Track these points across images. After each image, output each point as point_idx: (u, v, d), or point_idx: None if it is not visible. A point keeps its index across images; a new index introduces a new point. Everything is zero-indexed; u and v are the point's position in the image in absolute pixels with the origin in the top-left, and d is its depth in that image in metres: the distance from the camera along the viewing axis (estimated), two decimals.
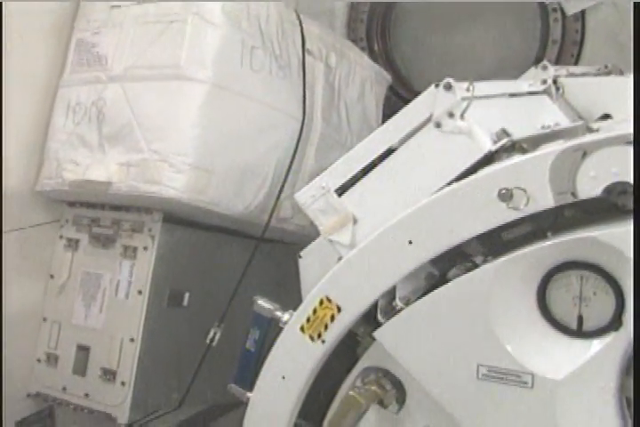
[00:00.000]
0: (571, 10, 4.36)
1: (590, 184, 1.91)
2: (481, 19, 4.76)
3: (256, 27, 3.46)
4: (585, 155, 1.93)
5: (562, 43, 4.41)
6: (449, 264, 2.17)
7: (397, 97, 4.73)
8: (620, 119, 2.85)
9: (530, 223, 2.05)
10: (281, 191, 3.45)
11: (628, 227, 1.86)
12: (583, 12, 4.36)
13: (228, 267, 3.50)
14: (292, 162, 3.50)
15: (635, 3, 3.23)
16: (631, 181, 1.87)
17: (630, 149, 1.87)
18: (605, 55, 4.25)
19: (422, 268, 2.16)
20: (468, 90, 2.32)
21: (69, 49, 3.62)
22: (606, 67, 3.69)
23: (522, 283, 2.00)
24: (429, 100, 2.31)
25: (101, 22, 3.51)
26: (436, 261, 2.16)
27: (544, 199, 1.94)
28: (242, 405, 2.97)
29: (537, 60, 4.39)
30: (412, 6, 4.92)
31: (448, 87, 2.27)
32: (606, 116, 2.95)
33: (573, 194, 1.93)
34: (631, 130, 1.93)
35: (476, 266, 2.07)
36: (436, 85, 2.30)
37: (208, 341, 3.37)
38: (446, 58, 4.88)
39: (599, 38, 4.37)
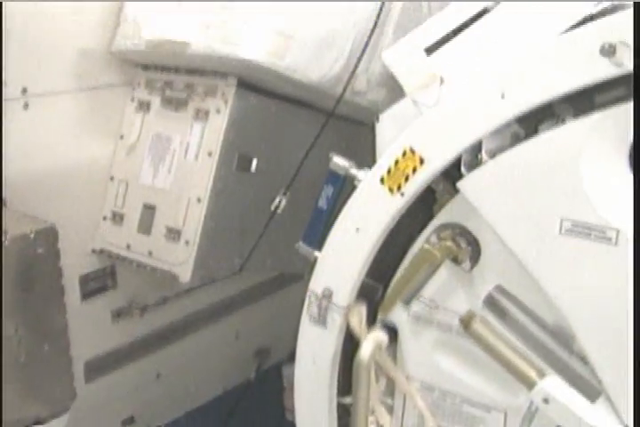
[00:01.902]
0: None
1: None
2: None
3: None
4: None
5: None
6: (537, 123, 2.16)
7: None
8: None
9: (625, 86, 2.02)
10: (358, 64, 3.41)
11: None
12: None
13: (298, 138, 3.50)
14: (370, 35, 3.45)
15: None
16: None
17: None
18: None
19: (509, 125, 2.15)
20: None
21: None
22: None
23: (615, 140, 1.98)
24: None
25: None
26: (523, 121, 2.15)
27: None
28: (302, 278, 3.03)
29: None
30: None
31: None
32: None
33: None
34: None
35: (564, 122, 2.06)
36: None
37: (273, 208, 3.40)
38: None
39: None
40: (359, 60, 3.42)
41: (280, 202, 3.33)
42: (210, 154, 3.32)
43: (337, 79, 3.41)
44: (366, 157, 2.73)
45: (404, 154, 2.23)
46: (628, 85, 2.00)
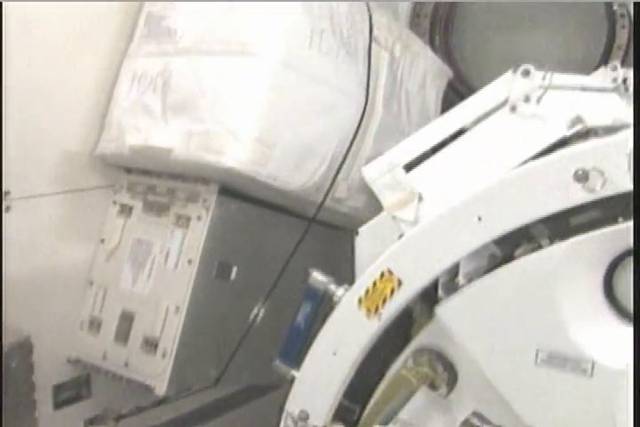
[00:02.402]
0: None
1: None
2: (544, 20, 4.74)
3: (327, 10, 3.48)
4: None
5: (627, 50, 4.38)
6: (514, 245, 2.17)
7: (455, 93, 4.73)
8: None
9: (600, 209, 2.05)
10: (338, 172, 3.46)
11: None
12: None
13: (278, 245, 3.51)
14: (351, 144, 3.51)
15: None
16: None
17: None
18: None
19: (486, 247, 2.16)
20: (544, 78, 2.33)
21: (138, 21, 3.64)
22: None
23: (589, 267, 2.00)
24: (506, 85, 2.32)
25: None
26: (500, 242, 2.16)
27: (622, 183, 1.93)
28: (277, 388, 2.98)
29: (600, 65, 4.38)
30: (476, 4, 4.91)
31: (526, 73, 2.29)
32: None
33: None
34: None
35: (541, 248, 2.07)
36: (514, 71, 2.30)
37: (251, 317, 3.38)
38: (507, 57, 4.86)
39: None
40: (340, 167, 3.46)
41: (259, 312, 3.31)
42: (190, 262, 3.31)
43: (318, 186, 3.44)
44: (347, 263, 2.75)
45: (382, 275, 2.23)
46: (602, 209, 2.02)
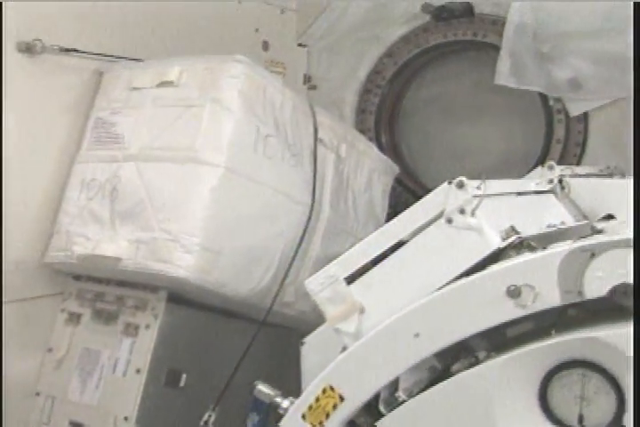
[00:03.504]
0: (574, 111, 4.47)
1: (597, 284, 1.96)
2: (488, 115, 4.89)
3: (271, 115, 3.56)
4: (593, 256, 1.98)
5: (565, 143, 4.52)
6: (452, 358, 2.19)
7: (403, 188, 4.83)
8: (622, 221, 2.91)
9: (534, 321, 2.10)
10: (286, 276, 3.49)
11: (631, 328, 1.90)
12: (586, 114, 4.46)
13: (228, 349, 3.50)
14: (298, 247, 3.55)
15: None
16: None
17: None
18: (607, 156, 4.36)
19: (426, 360, 2.19)
20: (479, 188, 2.38)
21: (87, 126, 3.69)
22: (608, 167, 3.80)
23: (524, 380, 2.02)
24: (441, 197, 2.37)
25: (121, 103, 3.60)
26: (439, 355, 2.19)
27: (551, 297, 1.99)
28: None
29: (541, 159, 4.51)
30: (420, 99, 5.05)
31: (460, 185, 2.33)
32: (609, 217, 3.01)
33: (580, 293, 1.97)
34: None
35: (478, 362, 2.10)
36: (449, 182, 2.36)
37: (202, 424, 3.34)
38: (452, 151, 5.00)
39: (601, 139, 4.48)
40: (287, 272, 3.49)
41: (210, 417, 3.27)
42: (138, 371, 3.30)
43: (266, 291, 3.47)
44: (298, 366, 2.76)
45: (324, 391, 2.24)
46: (536, 321, 2.07)
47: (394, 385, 2.20)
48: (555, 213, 2.91)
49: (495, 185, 2.56)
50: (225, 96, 3.42)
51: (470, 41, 4.69)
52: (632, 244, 1.97)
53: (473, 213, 2.31)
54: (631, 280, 1.94)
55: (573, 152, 4.53)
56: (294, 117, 3.70)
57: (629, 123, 4.37)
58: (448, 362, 2.21)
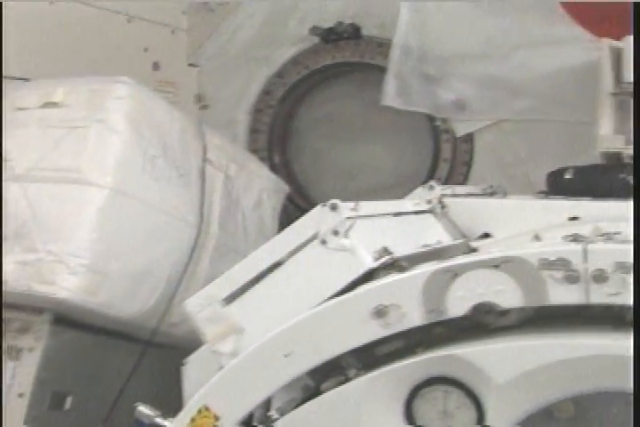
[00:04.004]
0: (460, 132, 4.60)
1: (458, 303, 2.04)
2: (378, 134, 4.98)
3: (158, 136, 3.58)
4: (456, 275, 2.06)
5: (452, 162, 4.64)
6: (324, 376, 2.25)
7: (295, 206, 4.88)
8: (499, 238, 3.03)
9: (402, 339, 2.17)
10: (173, 296, 3.49)
11: (490, 345, 1.99)
12: (472, 134, 4.60)
13: (116, 371, 3.49)
14: (186, 267, 3.56)
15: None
16: (494, 301, 2.01)
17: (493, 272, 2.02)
18: (492, 175, 4.50)
19: (299, 379, 2.23)
20: (353, 209, 2.45)
21: None
22: (492, 187, 3.92)
23: (390, 397, 2.09)
24: (316, 218, 2.43)
25: (7, 122, 3.56)
26: (312, 373, 2.24)
27: (415, 317, 2.06)
28: None
29: (429, 178, 4.62)
30: (311, 119, 5.13)
31: (333, 207, 2.40)
32: (486, 235, 3.12)
33: (442, 312, 2.05)
34: (499, 253, 2.08)
35: (348, 379, 2.16)
36: (323, 205, 2.41)
37: None
38: (343, 170, 5.08)
39: (486, 159, 4.62)
40: (175, 292, 3.50)
41: None
42: (21, 395, 3.26)
43: (153, 312, 3.47)
44: None
45: (200, 411, 2.26)
46: (405, 339, 2.14)
47: (268, 404, 2.24)
48: (433, 233, 3.00)
49: (370, 206, 2.63)
50: (110, 117, 3.43)
51: (358, 63, 4.80)
52: (495, 263, 2.05)
53: (346, 235, 2.37)
54: (491, 299, 2.02)
55: (460, 171, 4.67)
56: (182, 138, 3.73)
57: (511, 143, 4.57)
58: (321, 381, 2.26)
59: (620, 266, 1.95)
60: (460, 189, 3.54)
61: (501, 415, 2.02)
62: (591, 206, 3.06)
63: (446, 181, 4.60)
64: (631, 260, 1.94)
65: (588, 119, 3.85)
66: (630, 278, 1.94)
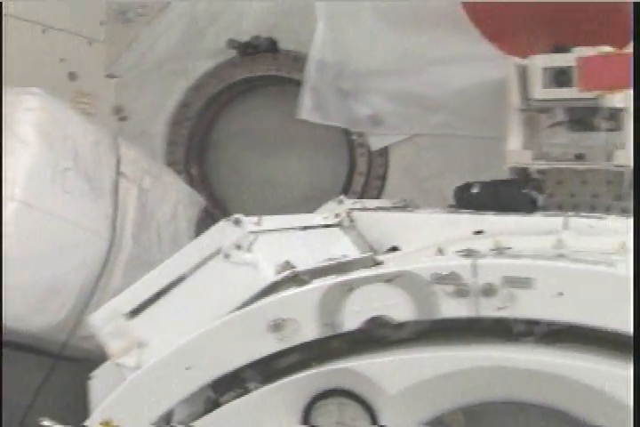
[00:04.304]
0: (375, 146, 4.67)
1: (353, 317, 2.09)
2: (295, 148, 5.03)
3: (70, 148, 3.56)
4: (351, 290, 2.11)
5: (367, 176, 4.71)
6: (226, 389, 2.27)
7: (212, 219, 4.88)
8: (405, 252, 3.09)
9: (301, 352, 2.21)
10: (85, 310, 3.47)
11: (384, 358, 2.04)
12: (387, 149, 4.68)
13: (25, 385, 3.45)
14: (97, 281, 3.55)
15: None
16: (388, 315, 2.06)
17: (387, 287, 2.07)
18: (406, 189, 4.58)
19: (201, 392, 2.26)
20: (256, 224, 2.48)
21: None
22: (404, 200, 4.00)
23: (288, 409, 2.14)
24: (220, 233, 2.46)
25: None
26: (214, 386, 2.26)
27: (310, 330, 2.10)
28: None
29: (344, 191, 4.68)
30: (229, 131, 5.15)
31: (237, 222, 2.43)
32: (394, 249, 3.18)
33: (338, 326, 2.10)
34: (392, 268, 2.14)
35: (247, 392, 2.19)
36: (227, 219, 2.44)
37: None
38: (262, 182, 5.11)
39: (400, 173, 4.69)
40: (86, 306, 3.49)
41: None
42: None
43: (63, 325, 3.45)
44: None
45: (102, 425, 2.27)
46: (304, 352, 2.18)
47: (170, 417, 2.26)
48: (340, 247, 3.05)
49: (275, 221, 2.67)
50: (21, 129, 3.41)
51: (275, 76, 4.84)
52: (389, 278, 2.10)
53: (249, 249, 2.41)
54: (385, 313, 2.07)
55: (375, 185, 4.73)
56: (95, 151, 3.72)
57: (426, 158, 4.66)
58: (223, 393, 2.29)
59: (508, 280, 2.02)
60: (369, 203, 3.60)
61: (395, 426, 2.07)
62: (495, 220, 3.14)
63: (361, 195, 4.66)
64: (519, 274, 2.01)
65: (498, 135, 3.94)
66: (518, 292, 2.01)
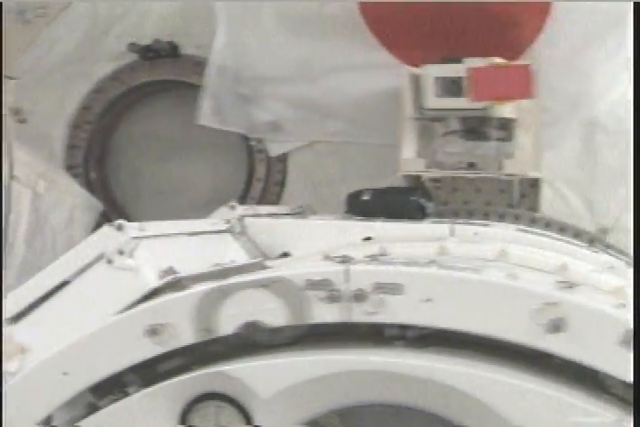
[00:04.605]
0: (274, 152, 4.71)
1: (229, 322, 2.13)
2: (196, 153, 5.03)
3: None
4: (227, 295, 2.14)
5: (266, 181, 4.74)
6: (106, 393, 2.28)
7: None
8: (295, 258, 3.14)
9: (182, 357, 2.24)
10: None
11: (258, 362, 2.08)
12: (286, 155, 4.72)
13: None
14: None
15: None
16: (263, 320, 2.10)
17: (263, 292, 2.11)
18: (304, 195, 4.63)
19: (82, 396, 2.26)
20: (140, 229, 2.50)
21: None
22: (300, 207, 4.05)
23: (165, 413, 2.16)
24: (103, 238, 2.46)
25: None
26: (94, 390, 2.27)
27: (187, 335, 2.13)
28: None
29: (243, 197, 4.72)
30: (130, 135, 5.12)
31: (119, 227, 2.44)
32: (285, 255, 3.22)
33: (213, 331, 2.13)
34: (267, 274, 2.18)
35: (126, 396, 2.20)
36: (110, 224, 2.45)
37: None
38: (162, 187, 5.10)
39: (299, 179, 4.74)
40: None
41: None
42: None
43: None
44: None
45: None
46: (185, 356, 2.21)
47: (50, 421, 2.26)
48: (229, 252, 3.08)
49: (161, 226, 2.69)
50: None
51: (175, 81, 4.83)
52: (264, 283, 2.14)
53: (131, 254, 2.42)
54: (259, 318, 2.12)
55: (273, 191, 4.77)
56: None
57: (324, 164, 4.72)
58: (103, 398, 2.29)
59: (379, 286, 2.08)
60: (263, 209, 3.64)
61: None
62: (384, 227, 3.21)
63: (260, 201, 4.70)
64: (389, 280, 2.07)
65: (394, 142, 4.02)
66: (388, 298, 2.07)
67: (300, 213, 3.98)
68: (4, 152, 3.72)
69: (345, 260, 2.21)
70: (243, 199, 4.71)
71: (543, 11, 4.10)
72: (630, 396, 2.09)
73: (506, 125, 3.94)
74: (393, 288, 2.06)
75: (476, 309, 2.04)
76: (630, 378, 2.01)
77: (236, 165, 4.93)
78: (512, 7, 4.04)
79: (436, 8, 4.06)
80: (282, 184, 4.77)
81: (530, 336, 2.04)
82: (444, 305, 2.05)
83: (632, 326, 2.03)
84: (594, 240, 4.24)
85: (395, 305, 2.07)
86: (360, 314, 2.09)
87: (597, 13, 4.05)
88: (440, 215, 3.97)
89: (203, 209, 4.70)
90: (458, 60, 3.79)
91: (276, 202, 4.72)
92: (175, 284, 2.42)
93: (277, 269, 2.28)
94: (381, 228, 3.22)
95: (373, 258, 2.35)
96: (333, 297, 2.09)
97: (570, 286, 2.20)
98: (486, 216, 4.15)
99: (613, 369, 2.06)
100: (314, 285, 2.10)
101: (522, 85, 3.66)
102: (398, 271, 2.10)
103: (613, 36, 4.13)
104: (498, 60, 3.77)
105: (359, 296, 2.08)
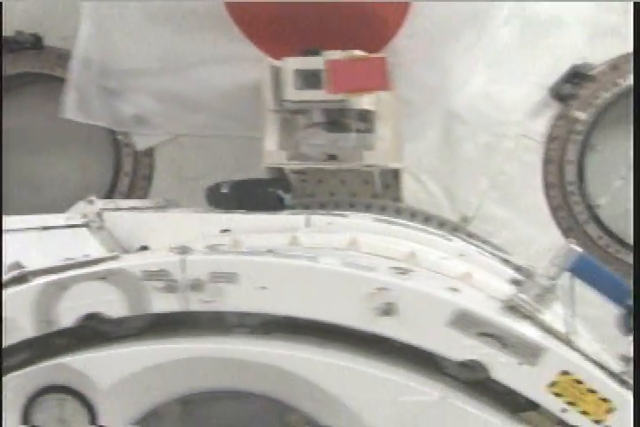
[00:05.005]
0: (140, 146, 4.70)
1: (68, 314, 2.15)
2: (63, 147, 4.97)
3: None
4: (65, 288, 2.16)
5: (133, 176, 4.73)
6: None
7: None
8: (152, 250, 3.16)
9: (28, 350, 2.24)
10: None
11: (97, 353, 2.11)
12: (152, 149, 4.72)
13: None
14: None
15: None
16: (102, 311, 2.13)
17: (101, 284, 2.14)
18: (172, 189, 4.64)
19: None
20: None
21: None
22: (166, 200, 4.06)
23: (8, 406, 2.16)
24: None
25: None
26: None
27: (25, 328, 2.14)
28: None
29: (111, 191, 4.70)
30: None
31: None
32: (144, 248, 3.24)
33: (53, 323, 2.14)
34: (105, 265, 2.21)
35: None
36: None
37: None
38: (30, 182, 5.02)
39: (166, 173, 4.75)
40: None
41: None
42: None
43: None
44: None
45: None
46: (31, 349, 2.22)
47: None
48: (85, 247, 3.08)
49: (13, 221, 2.68)
50: None
51: (39, 74, 4.76)
52: (102, 275, 2.17)
53: None
54: (99, 309, 2.14)
55: (141, 185, 4.76)
56: None
57: (190, 158, 4.74)
58: None
59: (215, 275, 2.13)
60: (123, 203, 3.65)
61: (113, 419, 2.14)
62: (242, 219, 3.26)
63: (128, 195, 4.69)
64: (224, 269, 2.13)
65: (259, 135, 4.07)
66: (224, 286, 2.13)
67: (162, 206, 3.99)
68: None
69: (183, 251, 2.25)
70: (111, 194, 4.69)
71: (403, 7, 4.21)
72: (463, 374, 2.20)
73: (366, 117, 4.02)
74: (228, 277, 2.12)
75: (309, 295, 2.11)
76: (463, 357, 2.11)
77: (103, 159, 4.90)
78: (372, 4, 4.14)
79: (300, 2, 4.11)
80: (149, 178, 4.76)
81: (362, 320, 2.12)
82: (278, 292, 2.12)
83: (460, 306, 2.14)
84: (457, 229, 4.40)
85: (231, 294, 2.13)
86: (197, 303, 2.14)
87: (455, 12, 4.18)
88: (307, 207, 4.04)
89: (71, 204, 4.71)
90: (317, 53, 3.84)
91: (144, 196, 4.71)
92: (20, 278, 2.41)
93: (117, 262, 2.30)
94: (240, 219, 3.27)
95: (212, 248, 2.40)
96: (171, 287, 2.13)
97: (403, 272, 2.30)
98: (352, 207, 4.25)
99: (444, 350, 2.16)
100: (151, 275, 2.14)
101: (377, 77, 3.74)
102: (233, 260, 2.16)
103: (470, 32, 4.28)
104: (357, 52, 3.84)
105: (196, 286, 2.13)
